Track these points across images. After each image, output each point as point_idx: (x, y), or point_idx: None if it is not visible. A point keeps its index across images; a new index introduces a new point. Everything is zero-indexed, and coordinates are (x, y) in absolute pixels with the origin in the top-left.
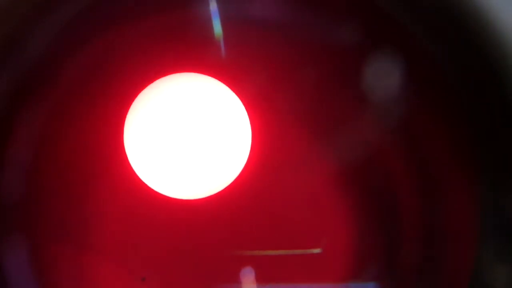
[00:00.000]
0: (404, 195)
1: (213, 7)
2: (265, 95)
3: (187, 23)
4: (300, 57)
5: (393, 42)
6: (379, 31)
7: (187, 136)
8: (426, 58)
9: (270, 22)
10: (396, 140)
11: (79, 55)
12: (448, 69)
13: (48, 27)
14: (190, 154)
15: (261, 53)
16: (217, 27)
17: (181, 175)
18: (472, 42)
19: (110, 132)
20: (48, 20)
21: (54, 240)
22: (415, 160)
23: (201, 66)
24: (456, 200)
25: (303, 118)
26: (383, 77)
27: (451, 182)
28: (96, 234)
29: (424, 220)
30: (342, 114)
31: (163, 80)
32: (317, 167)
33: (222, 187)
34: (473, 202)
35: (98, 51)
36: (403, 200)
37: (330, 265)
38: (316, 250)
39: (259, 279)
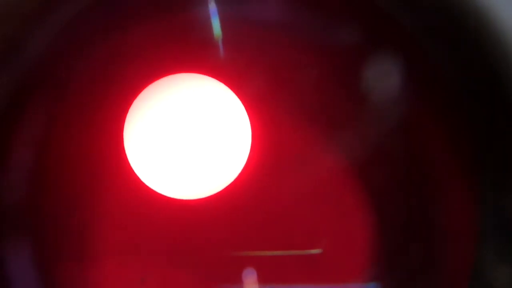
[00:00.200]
0: (404, 195)
1: (213, 8)
2: (265, 95)
3: (187, 24)
4: (299, 58)
5: (393, 42)
6: (379, 31)
7: (187, 136)
8: (426, 58)
9: (269, 23)
10: (396, 140)
11: (79, 56)
12: (448, 69)
13: (49, 27)
14: (190, 154)
15: (260, 53)
16: (217, 28)
17: (180, 175)
18: (472, 42)
19: (110, 132)
20: (49, 21)
21: (55, 241)
22: (415, 160)
23: (201, 66)
24: (456, 200)
25: (302, 118)
26: (383, 77)
27: (451, 182)
28: (96, 235)
29: (424, 220)
30: (342, 114)
31: (163, 81)
32: (316, 168)
33: (221, 187)
34: (473, 202)
35: (98, 52)
36: (403, 200)
37: (330, 265)
38: (316, 251)
39: (259, 279)
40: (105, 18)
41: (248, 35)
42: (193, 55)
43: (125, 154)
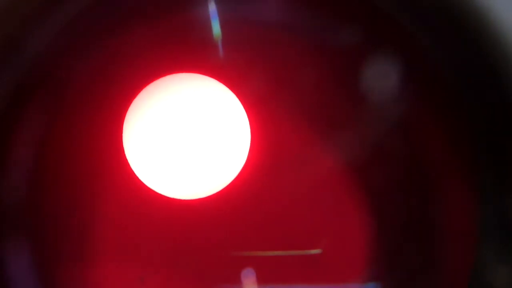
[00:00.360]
0: (404, 195)
1: (212, 8)
2: (264, 96)
3: (186, 24)
4: (299, 58)
5: (393, 42)
6: (379, 32)
7: (186, 136)
8: (426, 58)
9: (269, 23)
10: (396, 140)
11: (79, 56)
12: (448, 69)
13: (49, 27)
14: (189, 154)
15: (260, 53)
16: (216, 28)
17: (180, 175)
18: (472, 42)
19: (109, 132)
20: (49, 21)
21: (54, 241)
22: (415, 160)
23: (200, 66)
24: (456, 200)
25: (302, 118)
26: (383, 77)
27: (451, 182)
28: (95, 235)
29: (424, 220)
30: (342, 115)
31: (162, 81)
32: (316, 168)
33: (221, 187)
34: (473, 202)
35: (98, 52)
36: (403, 200)
37: (329, 265)
38: (316, 251)
39: (258, 279)
40: (104, 18)
41: (248, 36)
42: (192, 55)
43: (124, 154)
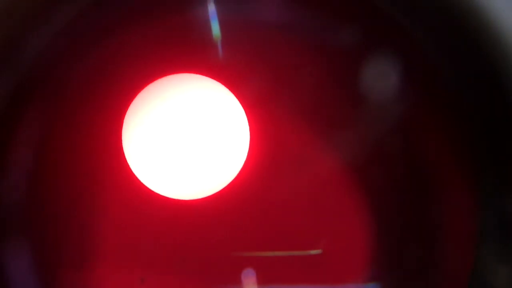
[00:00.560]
0: (404, 195)
1: (212, 9)
2: (264, 96)
3: (186, 25)
4: (298, 58)
5: (393, 42)
6: (378, 32)
7: (185, 136)
8: (426, 58)
9: (268, 24)
10: (396, 141)
11: (78, 56)
12: (448, 69)
13: (49, 27)
14: (188, 154)
15: (259, 54)
16: (216, 29)
17: (179, 175)
18: (472, 42)
19: (109, 133)
20: (49, 21)
21: (54, 241)
22: (415, 160)
23: (199, 67)
24: (456, 200)
25: (301, 119)
26: (383, 77)
27: (451, 182)
28: (95, 235)
29: (424, 220)
30: (341, 115)
31: (161, 81)
32: (316, 168)
33: (220, 188)
34: (473, 202)
35: (97, 52)
36: (403, 200)
37: (329, 266)
38: (316, 251)
39: (258, 280)
40: (104, 18)
41: (247, 36)
42: (192, 55)
43: (124, 155)
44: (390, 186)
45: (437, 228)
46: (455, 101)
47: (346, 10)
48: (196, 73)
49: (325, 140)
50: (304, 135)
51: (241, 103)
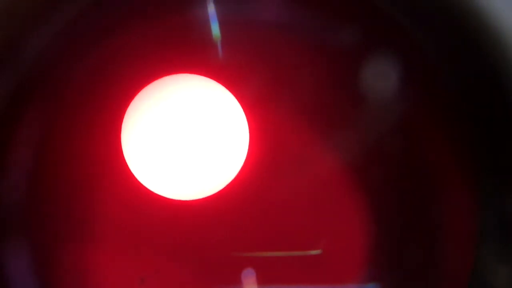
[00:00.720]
0: (404, 196)
1: (211, 9)
2: (263, 96)
3: (185, 25)
4: (298, 59)
5: (393, 42)
6: (378, 32)
7: (185, 137)
8: (426, 58)
9: (268, 24)
10: (395, 141)
11: (78, 56)
12: (448, 70)
13: (49, 28)
14: (188, 155)
15: (259, 54)
16: (215, 29)
17: (179, 176)
18: (472, 42)
19: (108, 133)
20: (48, 21)
21: (54, 241)
22: (414, 160)
23: (199, 67)
24: (456, 200)
25: (301, 119)
26: (383, 78)
27: (451, 182)
28: (95, 236)
29: (424, 220)
30: (341, 115)
31: (161, 82)
32: (315, 168)
33: (219, 188)
34: (473, 202)
35: (97, 53)
36: (403, 200)
37: (329, 266)
38: (316, 252)
39: (258, 280)
40: (104, 18)
41: (247, 36)
42: (191, 55)
43: (123, 155)
44: (390, 186)
45: (437, 228)
46: (455, 101)
47: (346, 10)
48: (196, 73)
49: (325, 140)
50: (303, 135)
51: (240, 103)
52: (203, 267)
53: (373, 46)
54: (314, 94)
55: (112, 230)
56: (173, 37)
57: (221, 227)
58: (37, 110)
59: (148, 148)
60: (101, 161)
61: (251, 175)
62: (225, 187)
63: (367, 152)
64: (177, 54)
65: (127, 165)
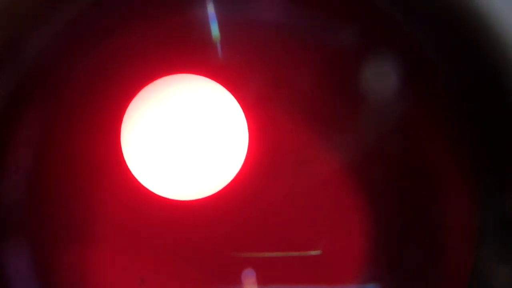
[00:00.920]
0: (404, 196)
1: (211, 9)
2: (262, 96)
3: (185, 25)
4: (297, 59)
5: (393, 42)
6: (378, 32)
7: (184, 137)
8: (425, 58)
9: (267, 24)
10: (395, 141)
11: (77, 57)
12: (448, 70)
13: (48, 28)
14: (187, 155)
15: (258, 54)
16: (215, 30)
17: (178, 176)
18: (472, 42)
19: (108, 133)
20: (48, 21)
21: (53, 242)
22: (414, 160)
23: (198, 67)
24: (456, 200)
25: (300, 119)
26: (382, 78)
27: (451, 182)
28: (94, 237)
29: (424, 220)
30: (341, 116)
31: (160, 82)
32: (315, 168)
33: (219, 189)
34: (473, 202)
35: (96, 53)
36: (402, 200)
37: (329, 266)
38: (315, 252)
39: (258, 280)
40: (104, 18)
41: (246, 37)
42: (191, 56)
43: (122, 156)
44: (390, 186)
45: (437, 228)
46: (455, 101)
47: (346, 10)
48: (195, 74)
49: (324, 140)
50: (303, 135)
51: (240, 103)
52: (203, 267)
53: (373, 46)
54: (313, 94)
55: (112, 230)
56: (173, 37)
57: (220, 227)
58: (37, 110)
59: (147, 148)
60: (100, 161)
61: (251, 175)
62: (224, 187)
63: (367, 152)
64: (176, 54)
65: (126, 165)
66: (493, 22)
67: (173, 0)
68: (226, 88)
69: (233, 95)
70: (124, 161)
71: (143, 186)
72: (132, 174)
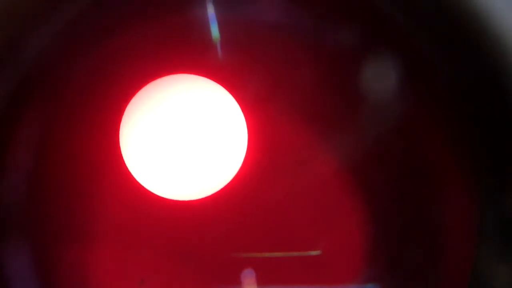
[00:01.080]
0: (404, 196)
1: (210, 10)
2: (262, 96)
3: (185, 26)
4: (297, 59)
5: (392, 42)
6: (378, 32)
7: (184, 137)
8: (425, 58)
9: (267, 24)
10: (395, 141)
11: (77, 57)
12: (448, 70)
13: (48, 28)
14: (187, 155)
15: (258, 55)
16: (214, 30)
17: (178, 176)
18: (472, 42)
19: (108, 133)
20: (48, 21)
21: (53, 242)
22: (414, 161)
23: (198, 67)
24: (456, 200)
25: (300, 120)
26: (382, 78)
27: (451, 182)
28: (94, 237)
29: (424, 221)
30: (340, 116)
31: (160, 82)
32: (314, 169)
33: (218, 188)
34: (473, 202)
35: (96, 53)
36: (402, 200)
37: (329, 266)
38: (315, 252)
39: (258, 280)
40: (104, 18)
41: (246, 37)
42: (190, 56)
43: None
44: (390, 186)
45: (437, 228)
46: (455, 101)
47: (346, 10)
48: (195, 74)
49: (324, 140)
50: (302, 135)
51: (239, 103)
52: (203, 267)
53: (372, 46)
54: (313, 94)
55: (111, 230)
56: (173, 37)
57: (220, 227)
58: (37, 110)
59: (147, 149)
60: (100, 161)
61: (250, 175)
62: (223, 187)
63: (367, 152)
64: (176, 54)
65: (126, 165)
66: (493, 22)
67: (173, 0)
68: (225, 88)
69: (232, 95)
70: (124, 161)
71: (142, 186)
72: (132, 174)
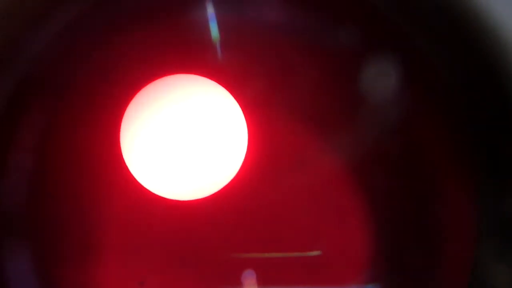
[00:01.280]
0: (404, 196)
1: (210, 10)
2: (262, 97)
3: (185, 26)
4: (297, 60)
5: (392, 43)
6: (378, 33)
7: (184, 137)
8: (425, 59)
9: (267, 25)
10: (395, 142)
11: (78, 57)
12: (448, 70)
13: (49, 28)
14: (187, 155)
15: (258, 55)
16: (215, 30)
17: (178, 176)
18: (472, 42)
19: (108, 133)
20: (49, 22)
21: (54, 243)
22: (414, 161)
23: (198, 68)
24: (456, 200)
25: (300, 120)
26: (382, 79)
27: (451, 182)
28: (94, 238)
29: (424, 221)
30: (340, 116)
31: (160, 82)
32: (314, 169)
33: (218, 189)
34: (473, 202)
35: (97, 53)
36: (402, 200)
37: (329, 267)
38: (315, 252)
39: (258, 281)
40: (104, 19)
41: (246, 37)
42: (190, 56)
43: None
44: (390, 187)
45: (437, 228)
46: (455, 101)
47: (346, 11)
48: (195, 74)
49: (324, 141)
50: (302, 136)
51: (239, 104)
52: (203, 268)
53: (372, 47)
54: (313, 95)
55: (111, 231)
56: (173, 38)
57: (220, 228)
58: (37, 111)
59: (147, 149)
60: (100, 161)
61: (250, 175)
62: (223, 188)
63: (367, 152)
64: (176, 54)
65: (126, 165)
66: (492, 22)
67: (173, 1)
68: (225, 88)
69: (232, 95)
70: (124, 161)
71: (142, 186)
72: (132, 174)
